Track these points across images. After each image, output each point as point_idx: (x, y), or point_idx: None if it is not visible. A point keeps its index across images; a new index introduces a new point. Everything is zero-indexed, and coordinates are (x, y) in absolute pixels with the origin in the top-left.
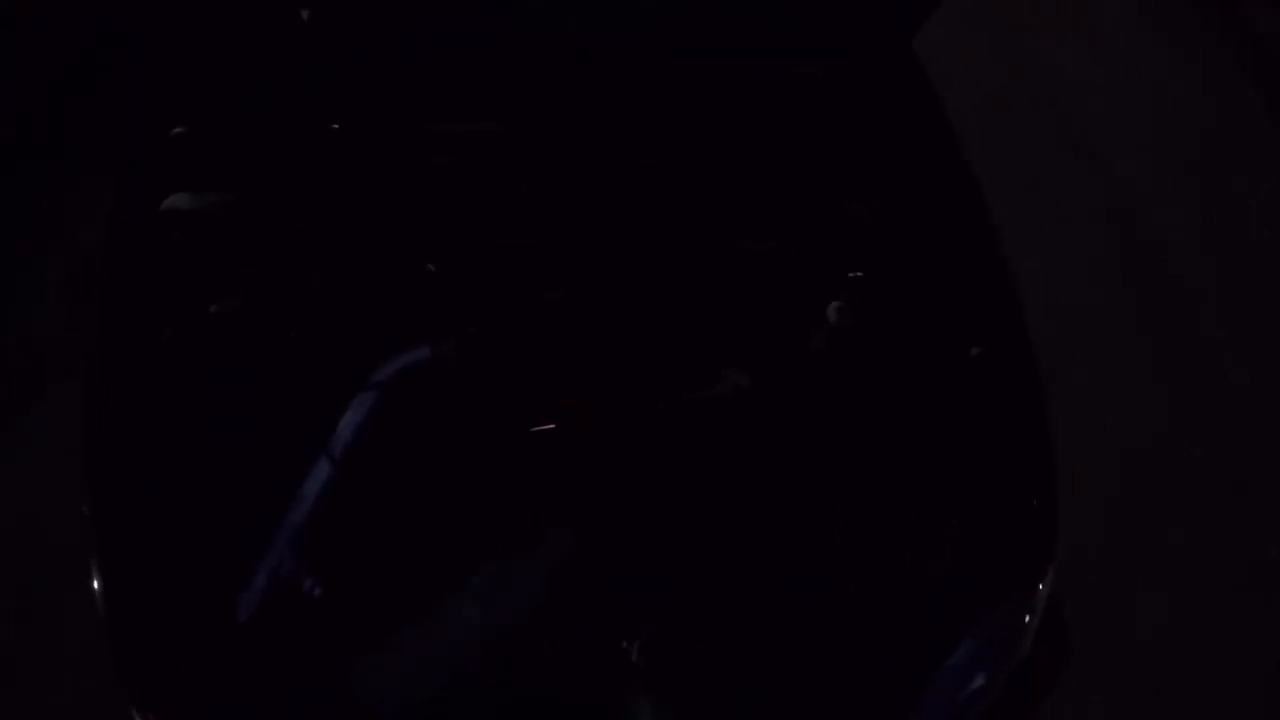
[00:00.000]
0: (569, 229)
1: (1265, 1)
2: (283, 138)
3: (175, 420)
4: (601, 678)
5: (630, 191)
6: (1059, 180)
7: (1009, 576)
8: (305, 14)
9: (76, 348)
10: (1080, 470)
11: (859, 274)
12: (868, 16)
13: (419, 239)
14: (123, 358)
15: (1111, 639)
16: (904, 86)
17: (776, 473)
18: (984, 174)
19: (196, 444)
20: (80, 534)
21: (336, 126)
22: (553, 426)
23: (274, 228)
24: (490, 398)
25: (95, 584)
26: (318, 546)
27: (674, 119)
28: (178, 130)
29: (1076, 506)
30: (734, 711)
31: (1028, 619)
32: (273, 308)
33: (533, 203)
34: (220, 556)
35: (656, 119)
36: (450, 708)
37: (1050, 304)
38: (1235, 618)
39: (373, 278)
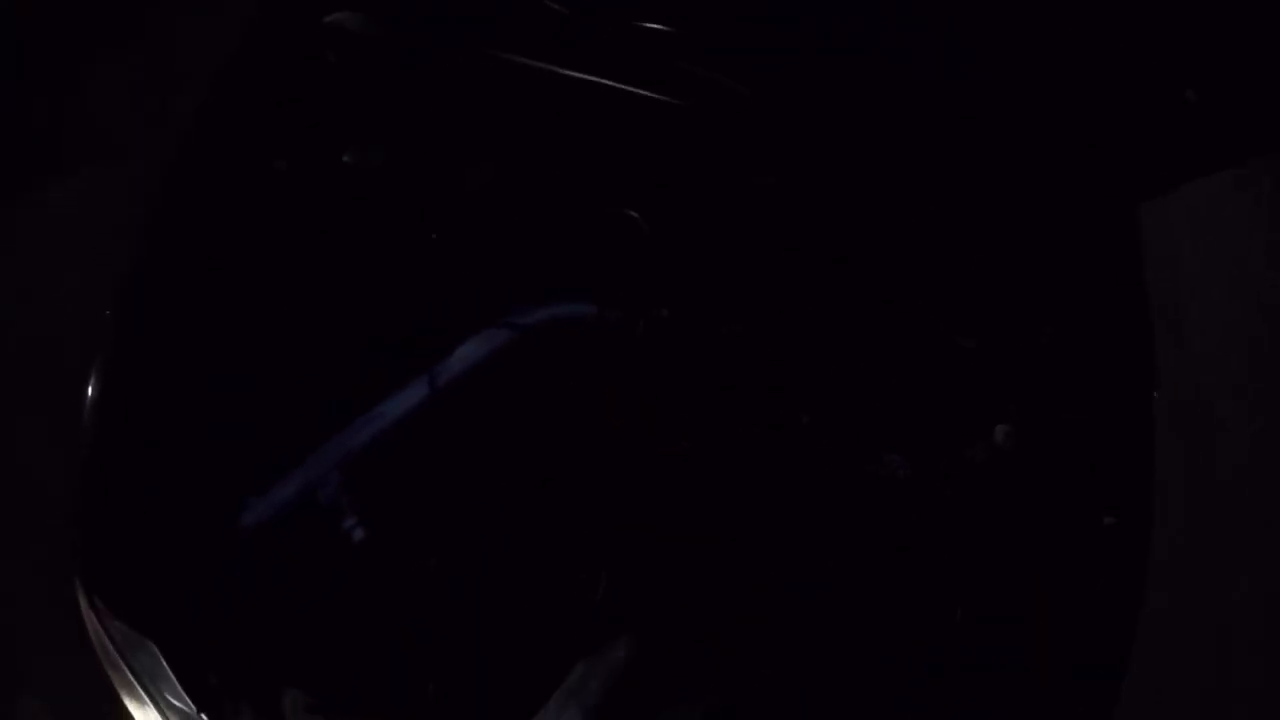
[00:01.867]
0: (791, 274)
1: None
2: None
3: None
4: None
5: (862, 259)
6: None
7: None
8: None
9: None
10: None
11: (1034, 403)
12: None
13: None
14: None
15: None
16: (1120, 242)
17: (896, 564)
18: None
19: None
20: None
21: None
22: (680, 450)
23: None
24: (629, 390)
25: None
26: (379, 481)
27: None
28: None
29: None
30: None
31: None
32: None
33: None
34: (243, 444)
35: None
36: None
37: None
38: None
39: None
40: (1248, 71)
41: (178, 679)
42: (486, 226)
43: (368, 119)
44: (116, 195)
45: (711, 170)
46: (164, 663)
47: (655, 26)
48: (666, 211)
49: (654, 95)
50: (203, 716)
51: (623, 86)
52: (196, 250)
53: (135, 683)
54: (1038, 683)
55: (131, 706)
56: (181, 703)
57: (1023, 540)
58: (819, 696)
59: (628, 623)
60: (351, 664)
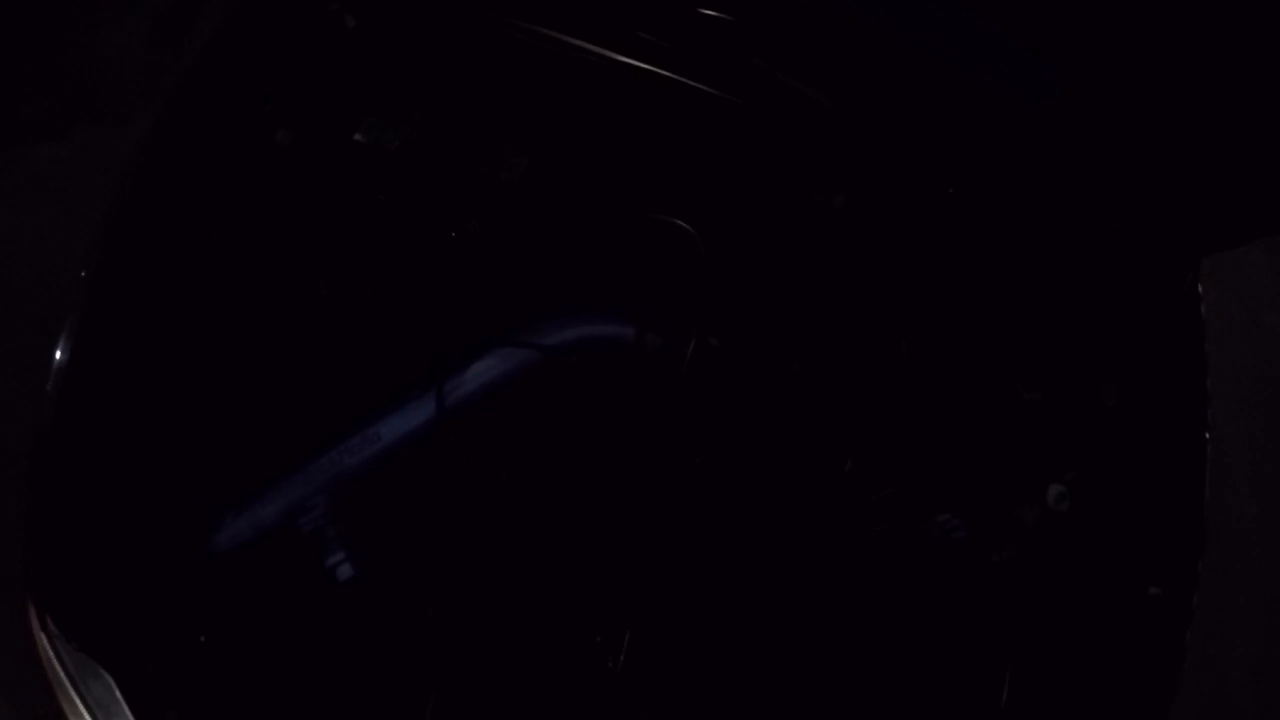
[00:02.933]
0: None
1: None
2: None
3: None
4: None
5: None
6: None
7: None
8: None
9: None
10: None
11: (1089, 466)
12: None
13: None
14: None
15: None
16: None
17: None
18: None
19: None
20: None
21: None
22: (720, 499)
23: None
24: (666, 428)
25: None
26: (371, 512)
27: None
28: None
29: None
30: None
31: None
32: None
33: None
34: (221, 449)
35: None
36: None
37: None
38: None
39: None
40: None
41: (133, 714)
42: (514, 227)
43: (386, 95)
44: (113, 157)
45: (775, 183)
46: (119, 696)
47: (722, 15)
48: (722, 225)
49: (717, 92)
50: None
51: (681, 79)
52: (180, 222)
53: (86, 714)
54: None
55: None
56: None
57: (1067, 607)
58: None
59: (651, 695)
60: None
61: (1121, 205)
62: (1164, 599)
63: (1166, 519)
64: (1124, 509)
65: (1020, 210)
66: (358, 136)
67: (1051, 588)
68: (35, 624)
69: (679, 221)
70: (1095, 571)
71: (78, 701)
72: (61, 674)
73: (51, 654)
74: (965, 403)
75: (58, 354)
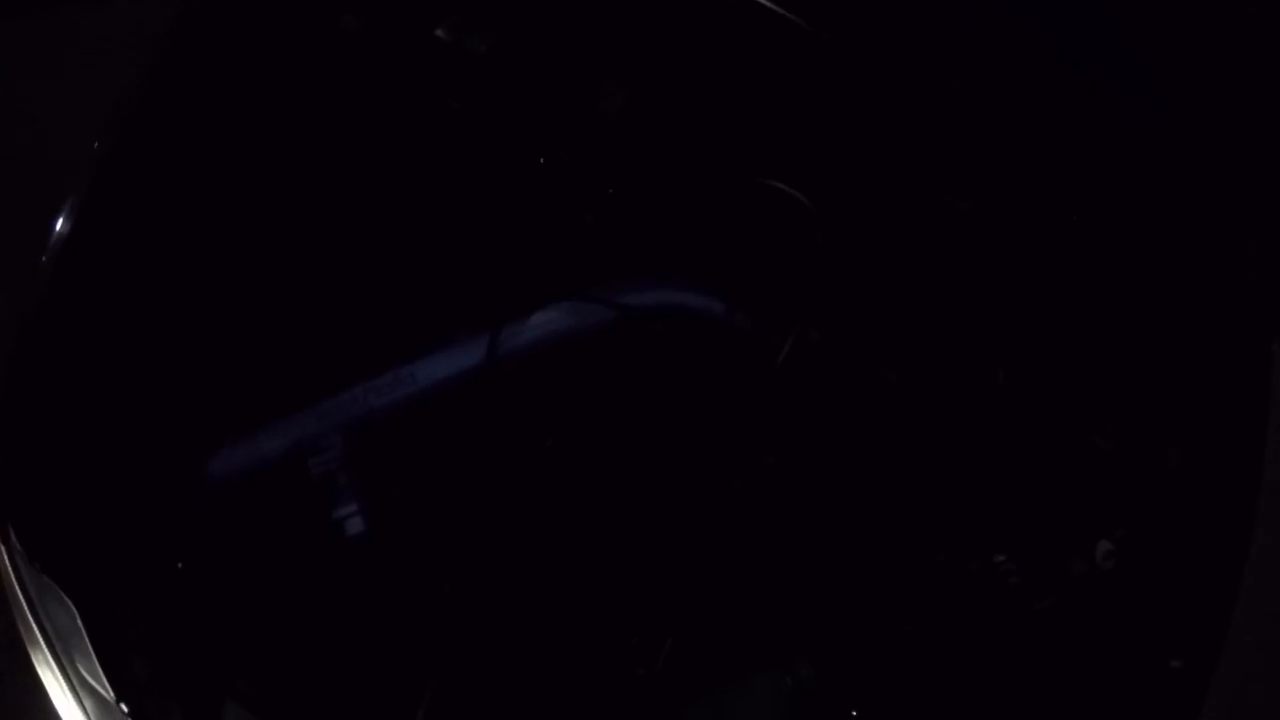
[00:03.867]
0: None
1: None
2: None
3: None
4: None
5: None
6: None
7: None
8: None
9: None
10: None
11: (1142, 526)
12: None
13: None
14: None
15: None
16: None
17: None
18: None
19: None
20: None
21: None
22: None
23: None
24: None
25: None
26: (393, 464)
27: None
28: None
29: None
30: None
31: None
32: None
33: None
34: (227, 368)
35: None
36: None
37: None
38: None
39: None
40: None
41: (97, 656)
42: (604, 167)
43: None
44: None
45: (905, 172)
46: (83, 632)
47: None
48: (840, 208)
49: (853, 56)
50: (122, 708)
51: (820, 35)
52: (215, 101)
53: (43, 644)
54: None
55: (39, 666)
56: (97, 683)
57: (1092, 666)
58: None
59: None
60: (320, 692)
61: (1209, 253)
62: (1184, 673)
63: (1203, 593)
64: (1163, 574)
65: (1129, 249)
66: (439, 33)
67: (1080, 644)
68: None
69: (798, 195)
70: (1123, 633)
71: (35, 628)
72: (20, 596)
73: (11, 572)
74: (1043, 443)
75: (59, 224)
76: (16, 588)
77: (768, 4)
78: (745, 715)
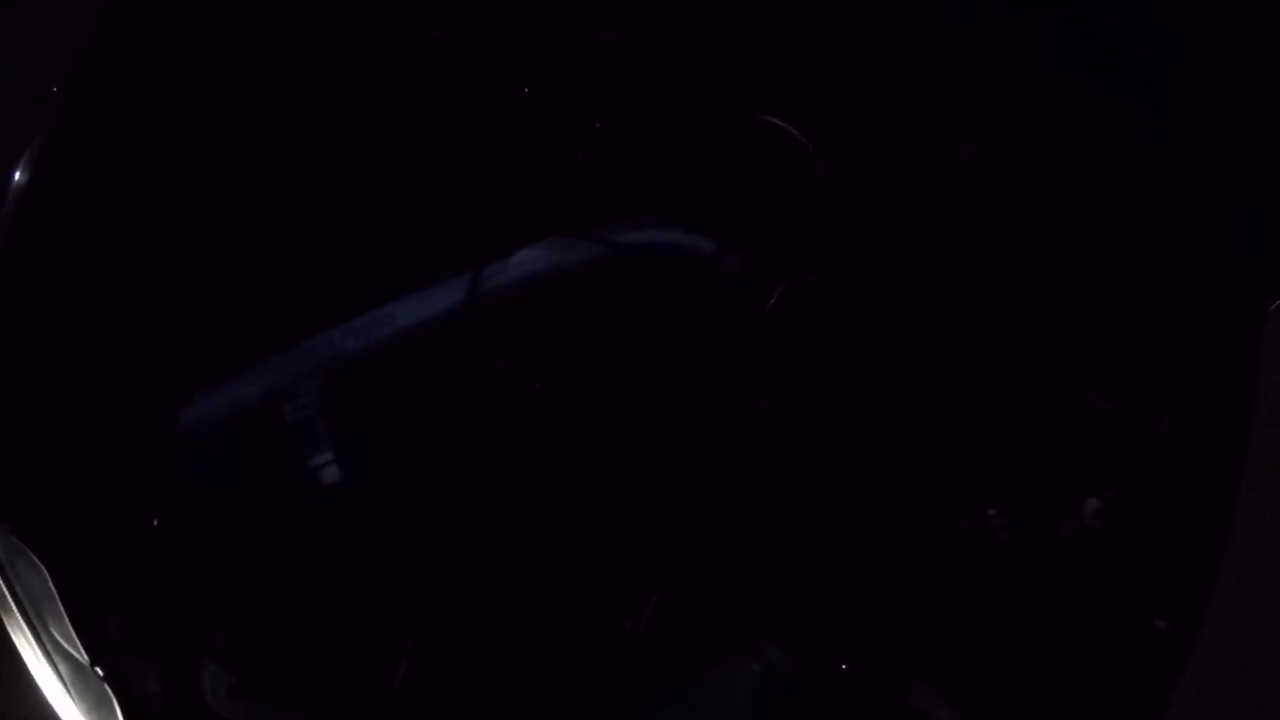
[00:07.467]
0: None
1: None
2: None
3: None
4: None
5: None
6: None
7: None
8: None
9: None
10: None
11: (1131, 487)
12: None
13: None
14: None
15: None
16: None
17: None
18: None
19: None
20: None
21: None
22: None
23: None
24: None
25: None
26: (371, 409)
27: None
28: None
29: None
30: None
31: None
32: None
33: None
34: (200, 312)
35: None
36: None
37: None
38: None
39: None
40: None
41: (70, 619)
42: (596, 99)
43: None
44: None
45: (909, 118)
46: (55, 595)
47: None
48: (840, 150)
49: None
50: (97, 671)
51: None
52: (188, 28)
53: (15, 608)
54: None
55: (10, 630)
56: (72, 647)
57: (1076, 623)
58: None
59: (671, 665)
60: (298, 648)
61: (1209, 217)
62: (1169, 634)
63: (1192, 556)
64: (1151, 536)
65: (1130, 209)
66: None
67: (1067, 602)
68: None
69: (797, 134)
70: (1110, 592)
71: (5, 592)
72: None
73: None
74: (1039, 399)
75: (16, 174)
76: None
77: None
78: (718, 707)
